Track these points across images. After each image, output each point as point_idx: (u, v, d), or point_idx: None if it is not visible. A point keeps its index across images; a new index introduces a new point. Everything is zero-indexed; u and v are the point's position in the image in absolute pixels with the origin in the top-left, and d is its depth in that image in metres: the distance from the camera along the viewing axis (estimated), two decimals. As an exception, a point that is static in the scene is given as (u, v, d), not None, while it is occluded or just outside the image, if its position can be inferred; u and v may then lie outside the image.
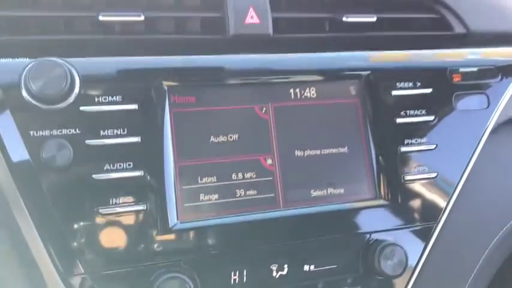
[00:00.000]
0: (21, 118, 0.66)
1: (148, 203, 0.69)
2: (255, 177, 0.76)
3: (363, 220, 0.79)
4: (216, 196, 0.74)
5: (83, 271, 0.67)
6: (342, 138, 0.80)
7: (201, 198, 0.73)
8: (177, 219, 0.71)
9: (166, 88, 0.73)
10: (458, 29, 0.92)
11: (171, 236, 0.70)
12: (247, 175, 0.75)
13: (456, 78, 0.87)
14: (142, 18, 0.74)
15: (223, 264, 0.72)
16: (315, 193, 0.78)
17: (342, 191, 0.79)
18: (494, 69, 0.90)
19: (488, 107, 0.87)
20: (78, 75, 0.68)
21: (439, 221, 0.82)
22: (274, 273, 0.74)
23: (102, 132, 0.68)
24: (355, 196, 0.79)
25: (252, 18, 0.79)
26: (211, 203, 0.73)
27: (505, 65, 0.91)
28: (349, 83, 0.82)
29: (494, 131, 0.88)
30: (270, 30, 0.80)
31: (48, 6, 0.75)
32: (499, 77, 0.89)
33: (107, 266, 0.67)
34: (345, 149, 0.80)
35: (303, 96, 0.80)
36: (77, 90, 0.68)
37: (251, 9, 0.79)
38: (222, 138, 0.75)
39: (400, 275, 0.78)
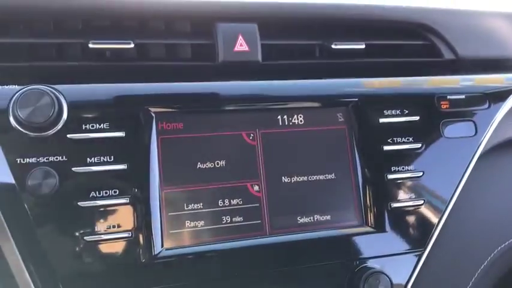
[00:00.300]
0: (8, 145, 0.67)
1: (133, 230, 0.70)
2: (242, 204, 0.76)
3: (349, 247, 0.79)
4: (202, 223, 0.74)
5: (66, 298, 0.67)
6: (329, 165, 0.81)
7: (186, 225, 0.73)
8: (162, 246, 0.71)
9: (153, 115, 0.73)
10: (448, 55, 0.93)
11: (156, 263, 0.70)
12: (234, 201, 0.76)
13: (444, 106, 0.87)
14: (132, 45, 0.75)
15: (208, 291, 0.73)
16: (301, 220, 0.78)
17: (328, 217, 0.79)
18: (482, 96, 0.90)
19: (475, 134, 0.88)
20: (66, 103, 0.69)
21: (426, 249, 0.82)
22: (260, 300, 0.74)
23: (88, 160, 0.69)
24: (342, 223, 0.80)
25: (241, 45, 0.80)
26: (197, 229, 0.74)
27: (493, 92, 0.91)
28: (337, 110, 0.83)
29: (481, 158, 0.88)
30: (259, 58, 0.81)
31: (40, 33, 0.76)
32: (487, 104, 0.90)
33: (91, 293, 0.68)
34: (332, 176, 0.81)
35: (290, 123, 0.81)
36: (64, 117, 0.69)
37: (240, 36, 0.80)
38: (209, 165, 0.76)
39: (386, 302, 0.78)
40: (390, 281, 0.77)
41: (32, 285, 0.66)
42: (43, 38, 0.75)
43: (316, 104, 0.82)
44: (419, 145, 0.84)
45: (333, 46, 0.85)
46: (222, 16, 0.81)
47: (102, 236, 0.68)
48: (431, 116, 0.86)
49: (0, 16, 0.73)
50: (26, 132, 0.67)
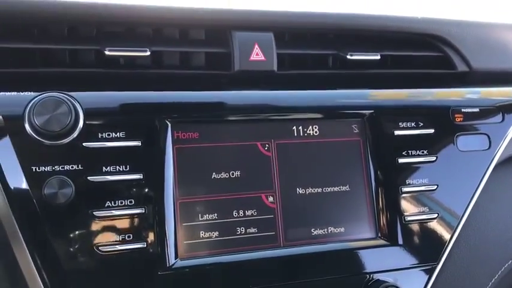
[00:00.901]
0: (24, 152, 0.66)
1: (148, 240, 0.69)
2: (256, 215, 0.76)
3: (363, 260, 0.79)
4: (217, 233, 0.73)
5: (80, 308, 0.66)
6: (344, 176, 0.80)
7: (201, 236, 0.73)
8: (177, 257, 0.70)
9: (169, 123, 0.73)
10: (461, 67, 0.93)
11: (170, 274, 0.70)
12: (248, 212, 0.75)
13: (458, 119, 0.87)
14: (148, 53, 0.75)
15: (223, 303, 0.72)
16: (315, 232, 0.78)
17: (342, 230, 0.79)
18: (496, 109, 0.90)
19: (489, 147, 0.88)
20: (82, 110, 0.68)
21: (439, 262, 0.82)
22: (273, 313, 0.74)
23: (104, 169, 0.68)
24: (356, 236, 0.79)
25: (257, 55, 0.80)
26: (211, 240, 0.73)
27: (506, 105, 0.91)
28: (352, 121, 0.82)
29: (495, 171, 0.88)
30: (275, 67, 0.80)
31: (54, 39, 0.75)
32: (501, 118, 0.90)
33: (104, 305, 0.67)
34: (346, 188, 0.80)
35: (305, 134, 0.80)
36: (80, 126, 0.68)
37: (256, 45, 0.80)
38: (223, 175, 0.75)
39: (399, 316, 0.77)
40: (404, 294, 0.77)
41: (45, 294, 0.65)
42: (58, 44, 0.74)
43: (331, 115, 0.81)
44: (433, 158, 0.83)
45: (348, 57, 0.84)
46: (238, 24, 0.81)
47: (116, 246, 0.67)
48: (446, 129, 0.86)
49: (15, 21, 0.72)
50: (42, 140, 0.66)
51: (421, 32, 0.91)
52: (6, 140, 0.66)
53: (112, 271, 0.67)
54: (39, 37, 0.75)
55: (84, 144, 0.68)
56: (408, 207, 0.81)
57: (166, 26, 0.80)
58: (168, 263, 0.70)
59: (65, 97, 0.67)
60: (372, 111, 0.82)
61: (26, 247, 0.65)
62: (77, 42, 0.76)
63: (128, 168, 0.69)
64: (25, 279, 0.66)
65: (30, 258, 0.65)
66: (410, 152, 0.82)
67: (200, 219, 0.73)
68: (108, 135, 0.69)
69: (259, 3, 0.85)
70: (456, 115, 0.87)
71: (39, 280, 0.65)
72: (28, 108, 0.65)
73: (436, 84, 0.91)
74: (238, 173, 0.76)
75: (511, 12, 1.05)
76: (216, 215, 0.74)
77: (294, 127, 0.80)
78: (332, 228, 0.78)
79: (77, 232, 0.66)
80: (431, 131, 0.84)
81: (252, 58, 0.79)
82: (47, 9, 0.73)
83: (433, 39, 0.92)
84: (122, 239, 0.68)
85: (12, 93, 0.67)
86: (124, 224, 0.68)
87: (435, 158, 0.83)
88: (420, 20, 0.91)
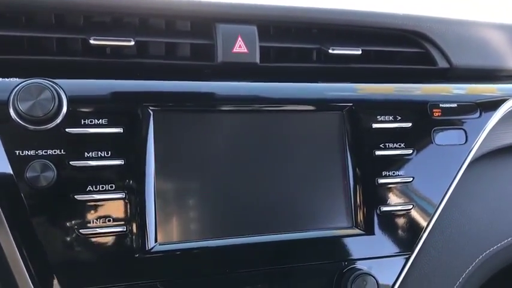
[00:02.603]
0: (8, 137, 0.68)
1: (128, 224, 0.71)
2: (235, 203, 0.78)
3: (338, 248, 0.81)
4: (196, 219, 0.75)
5: (60, 289, 0.68)
6: (322, 167, 0.82)
7: (180, 221, 0.75)
8: (156, 241, 0.72)
9: (151, 112, 0.75)
10: (442, 63, 0.95)
11: (149, 258, 0.72)
12: (228, 200, 0.77)
13: (436, 113, 0.89)
14: (132, 43, 0.76)
15: (200, 287, 0.74)
16: (292, 220, 0.80)
17: (319, 219, 0.81)
18: (474, 105, 0.92)
19: (466, 142, 0.90)
20: (66, 97, 0.70)
21: (413, 252, 0.84)
22: (249, 298, 0.76)
23: (86, 154, 0.70)
24: (332, 224, 0.81)
25: (240, 47, 0.81)
26: (190, 226, 0.75)
27: (484, 101, 0.93)
28: (332, 113, 0.84)
29: (471, 165, 0.91)
30: (257, 59, 0.82)
31: (42, 27, 0.77)
32: (478, 113, 0.92)
33: (84, 285, 0.69)
34: (324, 178, 0.82)
35: (285, 125, 0.82)
36: (63, 112, 0.70)
37: (239, 38, 0.82)
38: (204, 163, 0.77)
39: (372, 304, 0.80)
40: (377, 282, 0.79)
41: (27, 274, 0.67)
42: (45, 32, 0.76)
43: (311, 107, 0.83)
44: (410, 151, 0.86)
45: (330, 51, 0.86)
46: (222, 17, 0.82)
47: (97, 229, 0.69)
48: (423, 123, 0.88)
49: (2, 9, 0.74)
50: (26, 125, 0.68)
51: (402, 28, 0.92)
52: (-9, 124, 0.68)
53: (92, 253, 0.69)
54: (26, 25, 0.77)
55: (67, 129, 0.70)
56: (384, 198, 0.84)
57: (152, 16, 0.82)
58: (147, 247, 0.72)
59: (49, 83, 0.68)
60: (351, 104, 0.84)
61: (8, 229, 0.67)
62: (64, 31, 0.77)
63: (109, 154, 0.71)
64: (7, 261, 0.68)
65: (12, 239, 0.67)
66: (387, 144, 0.85)
67: (180, 205, 0.75)
68: (91, 121, 0.71)
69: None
70: (434, 110, 0.89)
71: (21, 262, 0.67)
72: (13, 94, 0.67)
73: (417, 79, 0.93)
74: (218, 161, 0.78)
75: (492, 11, 1.07)
76: (195, 201, 0.76)
77: (274, 118, 0.82)
78: (309, 217, 0.81)
79: (58, 215, 0.68)
80: (409, 124, 0.86)
81: (235, 50, 0.81)
82: (35, -1, 0.75)
83: (414, 35, 0.94)
84: (103, 222, 0.70)
85: (-1, 78, 0.69)
86: (105, 208, 0.70)
87: (412, 151, 0.86)
88: (402, 16, 0.93)
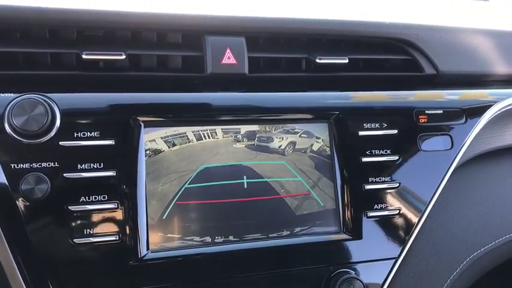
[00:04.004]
0: (3, 151, 0.70)
1: (120, 233, 0.74)
2: (225, 210, 0.80)
3: (326, 253, 0.83)
4: (187, 228, 0.78)
5: (55, 297, 0.71)
6: (310, 174, 0.85)
7: (171, 229, 0.77)
8: (148, 249, 0.75)
9: (142, 124, 0.77)
10: (429, 70, 0.97)
11: (142, 265, 0.74)
12: (219, 207, 0.80)
13: (422, 120, 0.91)
14: (123, 57, 0.79)
15: (192, 293, 0.77)
16: (281, 225, 0.82)
17: (307, 224, 0.83)
18: (460, 111, 0.94)
19: (451, 147, 0.92)
20: (59, 111, 0.73)
21: (400, 256, 0.86)
22: (238, 303, 0.78)
23: (79, 166, 0.73)
24: (320, 229, 0.84)
25: (228, 58, 0.84)
26: (181, 234, 0.77)
27: (470, 107, 0.95)
28: (319, 122, 0.86)
29: (457, 170, 0.93)
30: (246, 70, 0.85)
31: (36, 43, 0.79)
32: (464, 119, 0.94)
33: (78, 293, 0.72)
34: (312, 184, 0.84)
35: (273, 134, 0.84)
36: (57, 125, 0.72)
37: (228, 49, 0.84)
38: (194, 173, 0.79)
39: (360, 308, 0.82)
40: (364, 286, 0.81)
41: (23, 283, 0.70)
42: (39, 48, 0.79)
43: (298, 116, 0.86)
44: (396, 157, 0.88)
45: (318, 60, 0.88)
46: (211, 29, 0.85)
47: (90, 238, 0.72)
48: (409, 130, 0.90)
49: (-1, 26, 0.76)
50: (20, 139, 0.70)
51: (389, 36, 0.94)
52: (-13, 139, 0.70)
53: (86, 262, 0.72)
54: (21, 40, 0.79)
55: (60, 143, 0.72)
56: (371, 203, 0.86)
57: (143, 30, 0.84)
58: (139, 255, 0.74)
59: (42, 98, 0.71)
60: (338, 112, 0.86)
61: (4, 239, 0.69)
62: (57, 46, 0.80)
63: (101, 166, 0.74)
64: (4, 270, 0.71)
65: (8, 249, 0.70)
66: (373, 151, 0.87)
67: (170, 214, 0.77)
68: (84, 134, 0.73)
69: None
70: (420, 116, 0.91)
71: (17, 271, 0.70)
72: (7, 110, 0.70)
73: (405, 86, 0.95)
74: (208, 171, 0.80)
75: (478, 17, 1.09)
76: (186, 210, 0.78)
77: (264, 127, 0.84)
78: (297, 223, 0.83)
79: (52, 225, 0.71)
80: (395, 131, 0.88)
81: (223, 61, 0.83)
82: (30, 15, 0.77)
83: (401, 43, 0.96)
84: (96, 232, 0.72)
85: (-6, 94, 0.72)
86: (97, 217, 0.73)
87: (398, 157, 0.88)
88: (388, 24, 0.95)
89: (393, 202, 0.87)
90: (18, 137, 0.70)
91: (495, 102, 0.97)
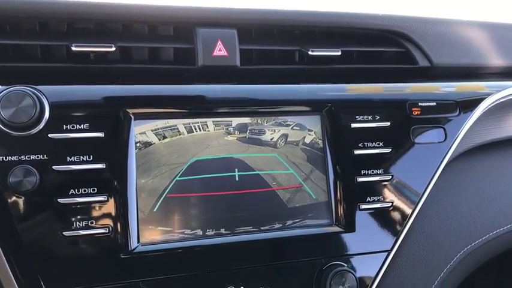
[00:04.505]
0: (-8, 143, 0.70)
1: (110, 226, 0.73)
2: (216, 203, 0.79)
3: (319, 246, 0.83)
4: (177, 220, 0.77)
5: (45, 291, 0.70)
6: (303, 166, 0.84)
7: (162, 222, 0.77)
8: (138, 242, 0.74)
9: (132, 116, 0.76)
10: (422, 62, 0.96)
11: (132, 258, 0.74)
12: (210, 200, 0.79)
13: (415, 112, 0.90)
14: (113, 49, 0.78)
15: (181, 286, 0.76)
16: (273, 218, 0.82)
17: (299, 216, 0.83)
18: (453, 103, 0.94)
19: (445, 140, 0.91)
20: (48, 103, 0.72)
21: (392, 249, 0.86)
22: (230, 295, 0.78)
23: (68, 158, 0.72)
24: (312, 222, 0.83)
25: (220, 50, 0.83)
26: (172, 227, 0.77)
27: (463, 100, 0.95)
28: (312, 114, 0.86)
29: (451, 162, 0.92)
30: (238, 62, 0.84)
31: (26, 35, 0.78)
32: (457, 112, 0.93)
33: (68, 286, 0.71)
34: (305, 177, 0.84)
35: (265, 127, 0.84)
36: (46, 117, 0.72)
37: (219, 41, 0.83)
38: (185, 166, 0.79)
39: (352, 301, 0.81)
40: (356, 279, 0.81)
41: (12, 277, 0.69)
42: (29, 40, 0.78)
43: (290, 108, 0.85)
44: (389, 150, 0.87)
45: (310, 52, 0.88)
46: (202, 21, 0.84)
47: (80, 231, 0.71)
48: (402, 122, 0.89)
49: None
50: (9, 131, 0.70)
51: (382, 28, 0.94)
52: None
53: (76, 255, 0.72)
54: (11, 33, 0.79)
55: (49, 135, 0.72)
56: (364, 196, 0.85)
57: (134, 22, 0.84)
58: (130, 248, 0.74)
59: (30, 90, 0.70)
60: (330, 105, 0.86)
61: (-8, 232, 0.69)
62: (48, 38, 0.79)
63: (91, 158, 0.73)
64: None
65: (-3, 243, 0.69)
66: (366, 144, 0.86)
67: (161, 206, 0.77)
68: (73, 126, 0.73)
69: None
70: (413, 108, 0.90)
71: (7, 264, 0.69)
72: (-4, 102, 0.69)
73: (398, 79, 0.95)
74: (199, 163, 0.79)
75: (471, 9, 1.08)
76: (177, 203, 0.77)
77: (255, 119, 0.83)
78: (289, 215, 0.82)
79: (41, 218, 0.71)
80: (388, 124, 0.88)
81: (215, 54, 0.83)
82: (20, 7, 0.77)
83: (394, 35, 0.95)
84: (85, 224, 0.72)
85: (-18, 87, 0.71)
86: (87, 210, 0.72)
87: (391, 149, 0.87)
88: (381, 16, 0.94)
89: (386, 194, 0.86)
90: (6, 129, 0.70)
91: (489, 94, 0.96)
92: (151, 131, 0.78)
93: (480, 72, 1.02)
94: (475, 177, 1.00)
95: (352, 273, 0.80)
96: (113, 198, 0.73)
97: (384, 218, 0.86)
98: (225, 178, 0.80)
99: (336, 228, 0.84)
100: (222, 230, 0.79)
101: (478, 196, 0.98)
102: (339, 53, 0.90)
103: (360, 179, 0.85)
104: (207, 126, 0.81)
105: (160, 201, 0.77)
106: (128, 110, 0.76)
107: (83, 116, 0.74)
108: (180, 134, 0.79)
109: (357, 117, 0.86)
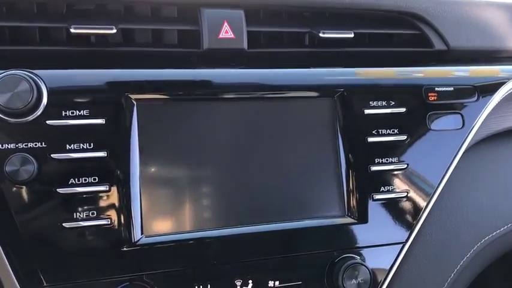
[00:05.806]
0: (-13, 131, 0.66)
1: (113, 217, 0.70)
2: (222, 194, 0.76)
3: (331, 238, 0.79)
4: (182, 211, 0.74)
5: (45, 284, 0.67)
6: (314, 154, 0.80)
7: (166, 213, 0.73)
8: (142, 233, 0.71)
9: (134, 102, 0.73)
10: (439, 46, 0.92)
11: (135, 250, 0.71)
12: (215, 190, 0.76)
13: (432, 98, 0.86)
14: (114, 31, 0.74)
15: (187, 279, 0.73)
16: (283, 208, 0.78)
17: (311, 207, 0.79)
18: (472, 88, 0.89)
19: (463, 127, 0.87)
20: (46, 88, 0.69)
21: (407, 241, 0.82)
22: (239, 288, 0.75)
23: (68, 146, 0.69)
24: (324, 213, 0.80)
25: (226, 32, 0.79)
26: (176, 217, 0.74)
27: (482, 84, 0.90)
28: (323, 99, 0.82)
29: (468, 150, 0.88)
30: (245, 45, 0.80)
31: (23, 17, 0.75)
32: (476, 97, 0.89)
33: (69, 279, 0.68)
34: (316, 166, 0.80)
35: (275, 112, 0.80)
36: (44, 103, 0.68)
37: (225, 23, 0.79)
38: (190, 153, 0.75)
39: (365, 294, 0.78)
40: (369, 272, 0.77)
41: (11, 270, 0.66)
42: (26, 22, 0.74)
43: (300, 94, 0.81)
44: (404, 137, 0.83)
45: (321, 35, 0.83)
46: (208, 2, 0.80)
47: (80, 222, 0.68)
48: (418, 108, 0.85)
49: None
50: (5, 118, 0.66)
51: (397, 9, 0.89)
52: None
53: (77, 247, 0.68)
54: (8, 15, 0.75)
55: (47, 122, 0.68)
56: (377, 185, 0.82)
57: (136, 3, 0.80)
58: (133, 239, 0.70)
59: (27, 75, 0.67)
60: (342, 89, 0.81)
61: (-11, 224, 0.66)
62: (46, 20, 0.75)
63: (91, 146, 0.70)
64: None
65: (-6, 234, 0.66)
66: (380, 131, 0.82)
67: (165, 196, 0.73)
68: (72, 113, 0.69)
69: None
70: (429, 94, 0.86)
71: (4, 256, 0.66)
72: (-9, 87, 0.66)
73: (413, 62, 0.90)
74: (204, 151, 0.76)
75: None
76: (181, 192, 0.74)
77: (263, 106, 0.79)
78: (301, 206, 0.79)
79: (41, 209, 0.67)
80: (403, 109, 0.84)
81: (221, 36, 0.79)
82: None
83: (410, 17, 0.91)
84: (86, 215, 0.69)
85: (-23, 71, 0.68)
86: (88, 200, 0.69)
87: (406, 137, 0.83)
88: (396, -3, 0.89)
89: (400, 184, 0.82)
90: (2, 115, 0.66)
91: (509, 79, 0.92)
92: (155, 117, 0.74)
93: (500, 56, 0.97)
94: (493, 166, 0.96)
95: (365, 266, 0.77)
96: (115, 188, 0.70)
97: (399, 208, 0.82)
98: (233, 166, 0.76)
99: (348, 220, 0.80)
100: (230, 221, 0.75)
101: (496, 186, 0.94)
102: (352, 35, 0.85)
103: (374, 168, 0.81)
104: (213, 112, 0.77)
105: (164, 191, 0.73)
106: (130, 96, 0.72)
107: (83, 102, 0.70)
108: (184, 120, 0.75)
109: (370, 102, 0.82)
